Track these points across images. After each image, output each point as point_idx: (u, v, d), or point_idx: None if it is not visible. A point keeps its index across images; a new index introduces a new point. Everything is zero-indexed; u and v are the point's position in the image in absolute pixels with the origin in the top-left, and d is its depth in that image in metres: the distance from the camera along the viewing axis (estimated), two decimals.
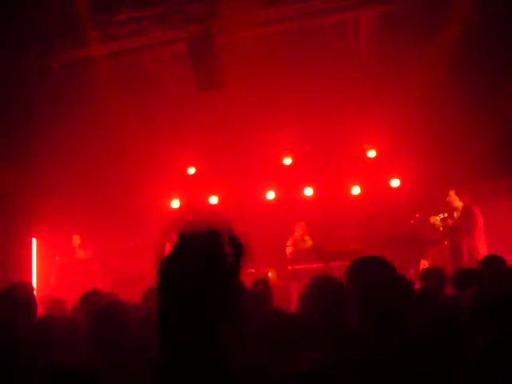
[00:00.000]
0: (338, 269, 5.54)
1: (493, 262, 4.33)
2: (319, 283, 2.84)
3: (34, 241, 8.98)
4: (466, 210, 7.05)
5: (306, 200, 9.82)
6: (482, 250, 6.59)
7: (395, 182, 9.44)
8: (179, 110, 9.12)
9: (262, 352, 2.40)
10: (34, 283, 8.30)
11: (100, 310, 2.72)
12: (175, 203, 10.43)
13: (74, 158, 8.40)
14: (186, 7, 6.36)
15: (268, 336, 2.57)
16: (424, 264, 6.96)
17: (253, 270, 7.75)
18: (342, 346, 2.45)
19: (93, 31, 6.29)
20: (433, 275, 4.56)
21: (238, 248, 1.43)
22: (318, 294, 2.76)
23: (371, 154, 9.66)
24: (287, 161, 10.04)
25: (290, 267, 7.85)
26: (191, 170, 10.56)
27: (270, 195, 10.09)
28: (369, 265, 2.36)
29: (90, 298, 3.67)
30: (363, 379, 2.08)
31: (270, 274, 7.94)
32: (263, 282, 4.07)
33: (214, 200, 10.36)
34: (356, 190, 9.68)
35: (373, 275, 2.28)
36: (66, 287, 7.55)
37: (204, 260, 1.39)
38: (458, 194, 7.22)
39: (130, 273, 8.29)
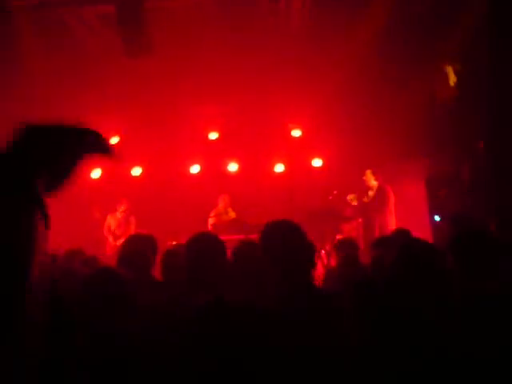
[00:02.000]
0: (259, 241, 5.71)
1: (401, 235, 4.69)
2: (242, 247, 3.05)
3: None
4: (379, 189, 7.55)
5: (231, 175, 9.93)
6: (392, 227, 7.08)
7: (317, 162, 9.79)
8: (104, 76, 8.79)
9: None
10: None
11: None
12: (96, 173, 10.12)
13: None
14: None
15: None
16: (340, 238, 7.35)
17: (174, 242, 7.77)
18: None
19: None
20: (347, 244, 4.88)
21: None
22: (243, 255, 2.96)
23: (296, 133, 9.93)
24: (213, 135, 10.06)
25: None
26: (114, 139, 10.26)
27: (195, 168, 10.08)
28: (279, 227, 2.52)
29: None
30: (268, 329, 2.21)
31: None
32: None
33: (137, 171, 10.18)
34: (280, 168, 9.93)
35: (282, 237, 2.45)
36: None
37: None
38: (373, 173, 7.71)
39: None
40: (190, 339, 1.55)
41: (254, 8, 7.72)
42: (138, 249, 3.19)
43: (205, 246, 2.67)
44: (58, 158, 1.19)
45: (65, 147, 1.20)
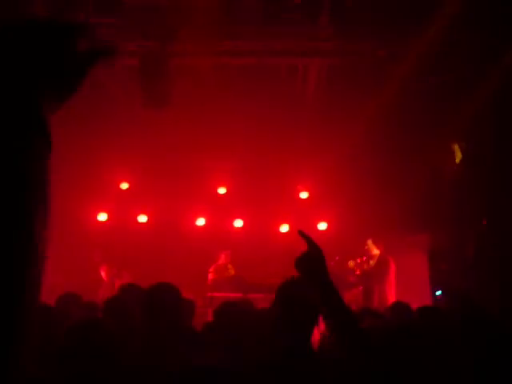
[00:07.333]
0: (256, 301, 5.63)
1: (399, 308, 4.59)
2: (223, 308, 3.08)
3: None
4: (380, 259, 7.53)
5: (235, 231, 9.96)
6: (391, 297, 6.99)
7: (322, 225, 9.82)
8: (122, 123, 9.05)
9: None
10: None
11: None
12: (102, 216, 10.22)
13: None
14: (144, 23, 6.45)
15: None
16: None
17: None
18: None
19: None
20: None
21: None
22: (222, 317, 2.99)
23: (303, 195, 10.03)
24: (222, 190, 10.18)
25: (209, 294, 7.86)
26: (124, 185, 10.43)
27: (201, 221, 10.14)
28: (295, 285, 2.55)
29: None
30: None
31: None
32: None
33: (142, 218, 10.26)
34: (285, 228, 9.96)
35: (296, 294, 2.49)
36: None
37: None
38: (374, 243, 7.72)
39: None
40: None
41: (272, 74, 8.02)
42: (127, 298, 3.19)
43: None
44: (62, 63, 0.80)
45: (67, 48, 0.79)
